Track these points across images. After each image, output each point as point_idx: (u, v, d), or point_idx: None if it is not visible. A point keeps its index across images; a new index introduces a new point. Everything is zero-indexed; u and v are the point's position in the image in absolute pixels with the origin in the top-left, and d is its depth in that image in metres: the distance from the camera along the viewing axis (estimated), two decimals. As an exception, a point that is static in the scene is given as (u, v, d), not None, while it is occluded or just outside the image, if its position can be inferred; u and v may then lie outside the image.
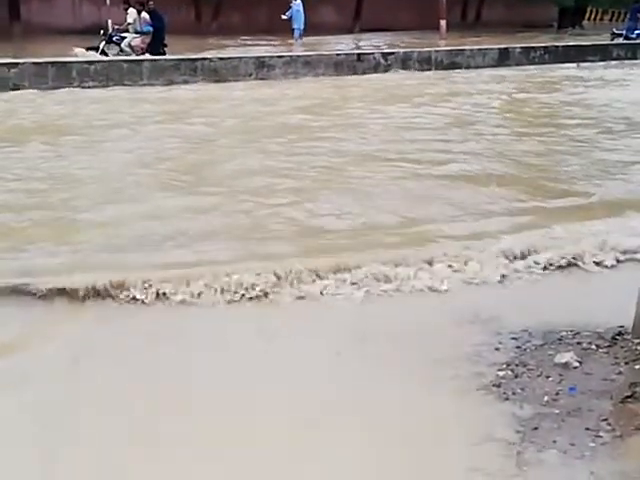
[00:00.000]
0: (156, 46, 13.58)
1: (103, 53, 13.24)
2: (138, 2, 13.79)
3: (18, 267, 3.93)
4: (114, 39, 13.57)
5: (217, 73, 12.50)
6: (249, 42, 18.67)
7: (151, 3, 13.78)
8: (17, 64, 11.28)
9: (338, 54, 14.10)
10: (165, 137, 7.52)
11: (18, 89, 10.85)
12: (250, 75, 12.78)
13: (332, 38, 20.78)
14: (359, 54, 14.25)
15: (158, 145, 7.13)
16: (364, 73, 13.60)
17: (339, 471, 2.38)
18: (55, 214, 4.90)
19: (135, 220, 4.78)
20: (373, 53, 14.40)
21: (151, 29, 13.61)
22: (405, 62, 14.26)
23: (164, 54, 13.51)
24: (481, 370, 2.94)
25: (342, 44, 19.03)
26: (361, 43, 19.80)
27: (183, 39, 18.22)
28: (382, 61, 14.04)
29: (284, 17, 19.48)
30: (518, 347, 3.13)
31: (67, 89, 11.08)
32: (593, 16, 31.84)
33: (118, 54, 13.33)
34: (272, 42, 18.81)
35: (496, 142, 7.49)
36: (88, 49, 13.23)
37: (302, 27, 19.53)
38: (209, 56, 13.20)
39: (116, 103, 10.05)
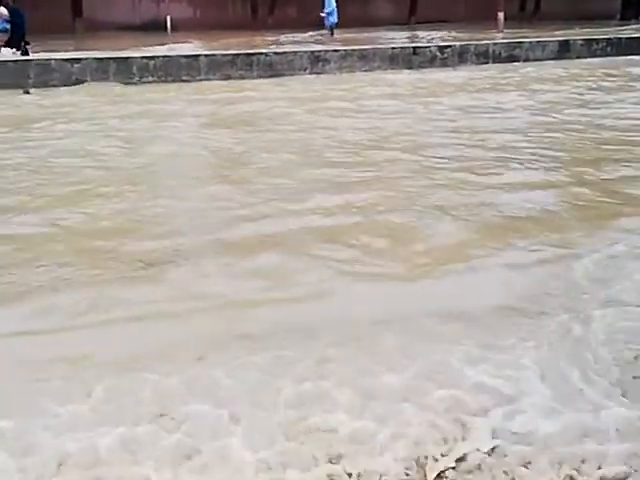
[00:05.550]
0: (16, 44, 12.43)
1: None
2: None
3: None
4: None
5: (272, 68, 12.57)
6: (302, 36, 18.68)
7: None
8: (80, 59, 11.57)
9: (394, 47, 13.98)
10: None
11: (81, 84, 11.16)
12: (305, 69, 12.80)
13: (387, 31, 20.63)
14: (414, 47, 14.09)
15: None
16: (420, 67, 13.47)
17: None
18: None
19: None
20: (429, 46, 14.21)
21: (8, 26, 12.55)
22: (462, 55, 14.06)
23: (26, 53, 12.29)
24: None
25: (397, 37, 18.79)
26: (417, 35, 19.55)
27: (240, 34, 18.52)
28: (438, 54, 13.88)
29: (323, 14, 19.50)
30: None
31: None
32: (659, 6, 30.68)
33: None
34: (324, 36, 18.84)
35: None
36: None
37: (335, 20, 19.46)
38: (265, 51, 13.26)
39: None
